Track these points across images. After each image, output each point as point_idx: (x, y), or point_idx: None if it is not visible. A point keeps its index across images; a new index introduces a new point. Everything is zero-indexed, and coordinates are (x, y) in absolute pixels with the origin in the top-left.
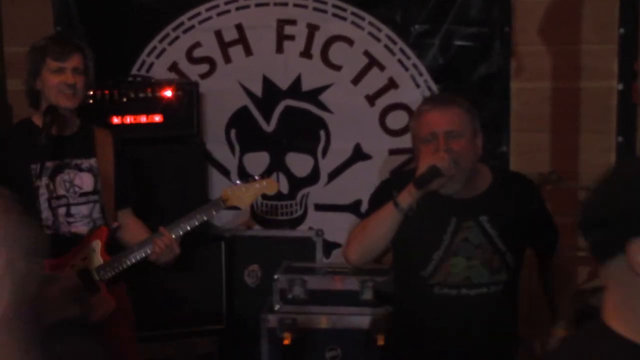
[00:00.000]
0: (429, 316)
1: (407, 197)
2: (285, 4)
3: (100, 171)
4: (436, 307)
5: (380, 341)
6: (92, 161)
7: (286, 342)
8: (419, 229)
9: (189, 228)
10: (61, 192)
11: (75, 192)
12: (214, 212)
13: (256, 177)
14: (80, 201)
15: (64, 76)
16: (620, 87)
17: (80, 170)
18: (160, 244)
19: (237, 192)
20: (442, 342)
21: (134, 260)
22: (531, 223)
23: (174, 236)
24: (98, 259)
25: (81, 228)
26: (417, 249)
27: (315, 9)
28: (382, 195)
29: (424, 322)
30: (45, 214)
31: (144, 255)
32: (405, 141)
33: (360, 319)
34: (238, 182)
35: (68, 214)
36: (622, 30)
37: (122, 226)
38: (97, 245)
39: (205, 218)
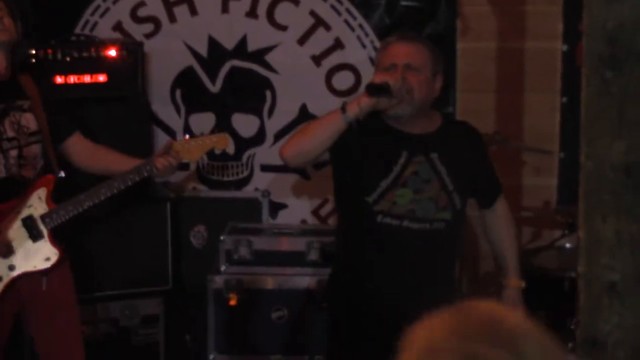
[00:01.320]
0: (370, 245)
1: (355, 106)
2: None
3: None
4: (378, 237)
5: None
6: (29, 102)
7: (232, 302)
8: (369, 157)
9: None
10: (11, 134)
11: (24, 132)
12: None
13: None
14: (30, 141)
15: None
16: (565, 48)
17: (23, 110)
18: (166, 161)
19: (187, 146)
20: (381, 274)
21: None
22: (476, 169)
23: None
24: (43, 207)
25: (32, 171)
26: (365, 175)
27: None
28: None
29: (365, 252)
30: None
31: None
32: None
33: (306, 280)
34: (186, 136)
35: (20, 156)
36: None
37: (79, 152)
38: (43, 192)
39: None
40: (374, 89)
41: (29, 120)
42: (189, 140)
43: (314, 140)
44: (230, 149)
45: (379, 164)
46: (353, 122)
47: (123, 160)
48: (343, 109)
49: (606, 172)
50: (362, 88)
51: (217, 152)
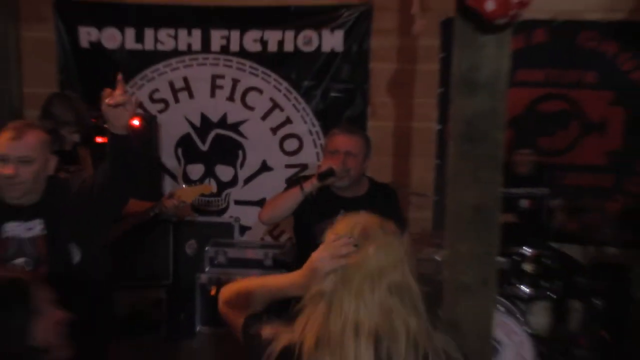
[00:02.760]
0: None
1: (309, 185)
2: (217, 65)
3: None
4: None
5: None
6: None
7: (212, 293)
8: (319, 215)
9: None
10: None
11: None
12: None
13: (197, 183)
14: None
15: None
16: (439, 127)
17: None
18: (171, 203)
19: (184, 191)
20: None
21: None
22: (395, 216)
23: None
24: None
25: None
26: (316, 228)
27: (237, 68)
28: (292, 179)
29: None
30: None
31: None
32: (297, 159)
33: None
34: (184, 185)
35: None
36: (440, 90)
37: None
38: None
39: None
40: (323, 176)
41: None
42: (186, 188)
43: (281, 210)
44: (214, 189)
45: (326, 219)
46: (308, 195)
47: (139, 204)
48: (302, 186)
49: (463, 210)
50: (303, 150)
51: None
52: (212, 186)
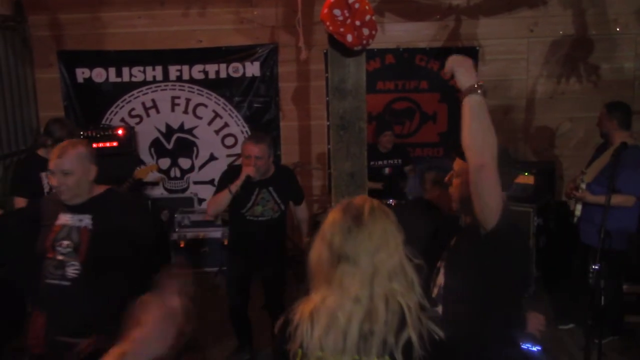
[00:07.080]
0: (244, 230)
1: (234, 187)
2: (174, 89)
3: None
4: (247, 226)
5: (225, 242)
6: None
7: (182, 245)
8: (245, 194)
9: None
10: None
11: None
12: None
13: (146, 164)
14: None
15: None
16: (327, 123)
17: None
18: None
19: (139, 171)
20: (250, 244)
21: None
22: (291, 190)
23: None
24: None
25: None
26: (242, 201)
27: (189, 90)
28: (224, 177)
29: (242, 233)
30: None
31: None
32: (234, 150)
33: (217, 233)
34: (142, 166)
35: None
36: (327, 98)
37: None
38: None
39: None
40: (245, 182)
41: None
42: (140, 169)
43: (220, 206)
44: (178, 174)
45: (247, 196)
46: (235, 194)
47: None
48: (229, 190)
49: (343, 176)
50: (238, 144)
51: (156, 173)
52: (157, 165)
